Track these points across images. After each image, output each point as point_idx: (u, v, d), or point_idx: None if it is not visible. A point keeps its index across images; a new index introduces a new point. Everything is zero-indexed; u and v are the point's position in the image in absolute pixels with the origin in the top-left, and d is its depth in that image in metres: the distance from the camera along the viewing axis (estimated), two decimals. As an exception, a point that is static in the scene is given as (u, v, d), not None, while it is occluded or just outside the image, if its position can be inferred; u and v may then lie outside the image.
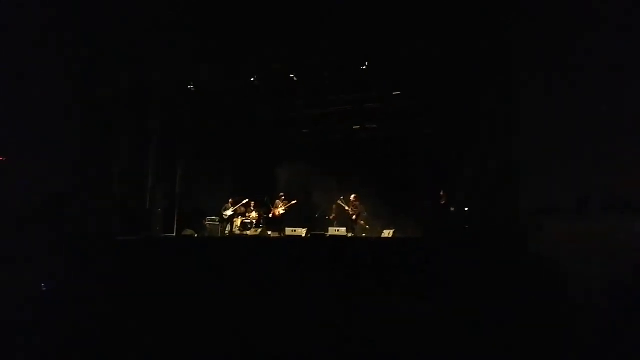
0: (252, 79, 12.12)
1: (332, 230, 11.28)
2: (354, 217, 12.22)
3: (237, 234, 12.86)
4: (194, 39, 11.18)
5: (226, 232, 13.06)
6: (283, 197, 13.20)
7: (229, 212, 13.13)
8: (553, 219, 7.86)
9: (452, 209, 10.97)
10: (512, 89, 9.03)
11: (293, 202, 13.05)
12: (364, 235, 12.01)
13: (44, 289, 8.12)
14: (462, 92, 10.45)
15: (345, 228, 11.50)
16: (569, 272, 6.90)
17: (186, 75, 12.44)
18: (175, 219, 13.25)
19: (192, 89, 12.63)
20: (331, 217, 12.84)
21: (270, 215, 13.24)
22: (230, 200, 13.26)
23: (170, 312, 7.21)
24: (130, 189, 12.00)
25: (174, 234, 12.73)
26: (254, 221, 13.31)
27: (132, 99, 11.71)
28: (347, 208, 12.34)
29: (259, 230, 12.58)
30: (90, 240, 9.95)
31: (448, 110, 11.17)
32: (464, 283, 7.12)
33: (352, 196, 12.41)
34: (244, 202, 13.22)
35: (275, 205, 13.22)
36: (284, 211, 13.05)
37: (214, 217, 13.07)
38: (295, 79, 11.79)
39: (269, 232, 12.55)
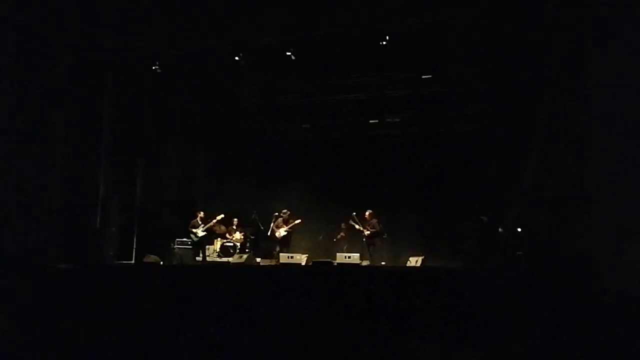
0: (236, 57, 12.08)
1: (341, 257, 11.20)
2: (370, 239, 12.17)
3: (216, 261, 12.76)
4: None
5: (199, 257, 12.95)
6: (288, 214, 13.08)
7: (200, 231, 12.97)
8: (638, 244, 7.78)
9: (500, 229, 10.90)
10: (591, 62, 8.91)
11: (297, 222, 12.97)
12: (383, 263, 11.93)
13: None
14: (518, 73, 10.35)
15: (358, 254, 11.40)
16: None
17: (149, 51, 12.40)
18: (135, 241, 13.12)
19: (158, 70, 12.60)
20: (338, 238, 12.84)
21: (269, 234, 13.11)
22: (200, 215, 12.99)
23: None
24: (74, 201, 11.90)
25: (133, 261, 12.61)
26: (238, 244, 13.21)
27: (75, 82, 11.60)
28: (360, 228, 12.29)
29: (245, 256, 12.42)
30: (16, 269, 9.79)
31: (497, 98, 11.09)
32: (517, 330, 7.00)
33: (367, 212, 12.37)
34: (219, 217, 13.07)
35: (277, 224, 13.07)
36: (285, 233, 12.97)
37: (185, 239, 12.97)
38: (292, 57, 11.75)
39: (258, 259, 12.46)
